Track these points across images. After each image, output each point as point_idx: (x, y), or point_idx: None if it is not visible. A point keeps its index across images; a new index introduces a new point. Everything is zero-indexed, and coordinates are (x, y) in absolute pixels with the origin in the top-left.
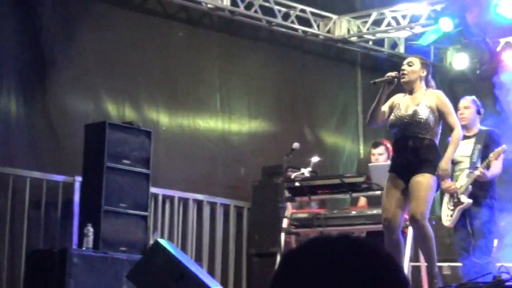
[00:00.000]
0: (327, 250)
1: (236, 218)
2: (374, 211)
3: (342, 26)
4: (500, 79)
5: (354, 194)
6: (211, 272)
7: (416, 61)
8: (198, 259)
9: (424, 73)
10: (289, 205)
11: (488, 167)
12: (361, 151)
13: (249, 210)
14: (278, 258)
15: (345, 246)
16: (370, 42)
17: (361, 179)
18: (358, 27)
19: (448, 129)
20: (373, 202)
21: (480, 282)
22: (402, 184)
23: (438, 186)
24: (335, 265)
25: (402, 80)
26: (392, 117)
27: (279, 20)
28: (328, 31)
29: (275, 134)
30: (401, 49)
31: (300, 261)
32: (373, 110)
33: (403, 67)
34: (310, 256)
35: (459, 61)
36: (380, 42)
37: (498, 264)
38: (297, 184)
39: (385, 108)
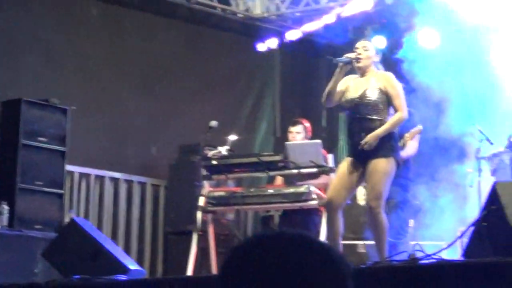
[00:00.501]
0: (270, 246)
1: (152, 196)
2: (291, 190)
3: (262, 5)
4: (408, 57)
5: (271, 173)
6: (127, 250)
7: (371, 46)
8: (114, 238)
9: (377, 59)
10: (206, 183)
11: (403, 147)
12: (278, 130)
13: (165, 188)
14: (194, 236)
15: (287, 241)
16: (289, 21)
17: (278, 158)
18: (277, 5)
19: (394, 111)
20: (290, 180)
21: (394, 260)
22: (359, 167)
23: (398, 165)
24: (278, 261)
25: (357, 64)
26: (343, 99)
27: None
28: (247, 10)
29: (193, 113)
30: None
31: (245, 259)
32: (329, 89)
33: (359, 51)
34: (255, 253)
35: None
36: (299, 21)
37: (413, 243)
38: (214, 162)
39: (341, 87)
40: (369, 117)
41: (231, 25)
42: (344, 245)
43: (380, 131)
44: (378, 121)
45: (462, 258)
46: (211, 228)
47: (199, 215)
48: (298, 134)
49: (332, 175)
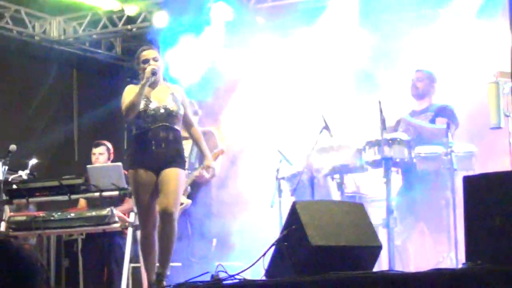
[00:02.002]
0: None
1: None
2: (93, 213)
3: (59, 27)
4: None
5: (73, 196)
6: None
7: (158, 56)
8: None
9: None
10: (7, 208)
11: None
12: (76, 153)
13: None
14: None
15: None
16: (87, 44)
17: (80, 181)
18: (75, 28)
19: (185, 126)
20: (92, 203)
21: (198, 281)
22: (153, 177)
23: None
24: None
25: (154, 77)
26: (141, 108)
27: None
28: (44, 32)
29: None
30: (118, 51)
31: None
32: (134, 103)
33: (152, 63)
34: None
35: (159, 18)
36: (97, 44)
37: (216, 263)
38: (14, 186)
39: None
40: (170, 126)
41: (27, 47)
42: None
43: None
44: (178, 131)
45: (264, 278)
46: None
47: None
48: (101, 155)
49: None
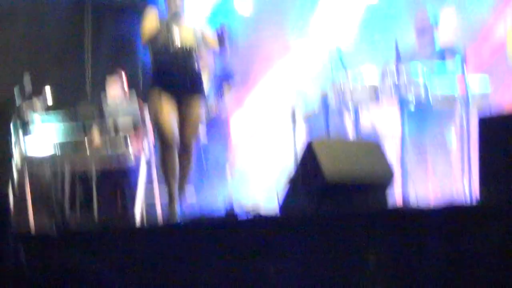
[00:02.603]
0: None
1: None
2: (109, 151)
3: None
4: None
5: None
6: None
7: None
8: None
9: None
10: (21, 138)
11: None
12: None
13: None
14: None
15: None
16: None
17: (94, 110)
18: None
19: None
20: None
21: (212, 217)
22: (173, 101)
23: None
24: None
25: (179, 16)
26: (161, 39)
27: None
28: None
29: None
30: None
31: None
32: (153, 32)
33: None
34: None
35: None
36: None
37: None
38: (29, 115)
39: (155, 25)
40: (193, 56)
41: None
42: None
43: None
44: (198, 61)
45: (278, 214)
46: (28, 184)
47: (14, 171)
48: (115, 83)
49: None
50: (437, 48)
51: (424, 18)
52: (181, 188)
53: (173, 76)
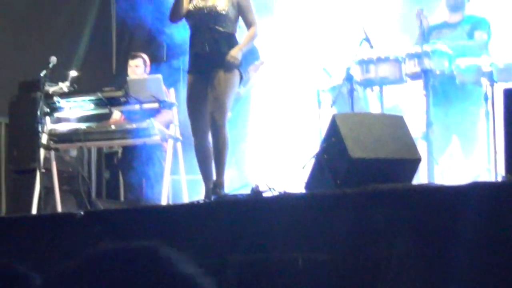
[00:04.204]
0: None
1: None
2: (133, 125)
3: None
4: None
5: (113, 108)
6: None
7: None
8: None
9: None
10: (48, 120)
11: (247, 80)
12: (114, 66)
13: (6, 126)
14: (38, 174)
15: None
16: None
17: (120, 93)
18: None
19: (247, 27)
20: (128, 117)
21: (238, 194)
22: (202, 81)
23: (241, 79)
24: None
25: None
26: (190, 7)
27: None
28: None
29: (32, 48)
30: None
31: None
32: (176, 3)
33: None
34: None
35: None
36: None
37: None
38: (55, 98)
39: None
40: (220, 29)
41: None
42: None
43: (242, 45)
44: (228, 34)
45: (304, 191)
46: (54, 165)
47: (41, 152)
48: (137, 67)
49: (174, 109)
50: (467, 22)
51: None
52: (219, 169)
53: (197, 56)
